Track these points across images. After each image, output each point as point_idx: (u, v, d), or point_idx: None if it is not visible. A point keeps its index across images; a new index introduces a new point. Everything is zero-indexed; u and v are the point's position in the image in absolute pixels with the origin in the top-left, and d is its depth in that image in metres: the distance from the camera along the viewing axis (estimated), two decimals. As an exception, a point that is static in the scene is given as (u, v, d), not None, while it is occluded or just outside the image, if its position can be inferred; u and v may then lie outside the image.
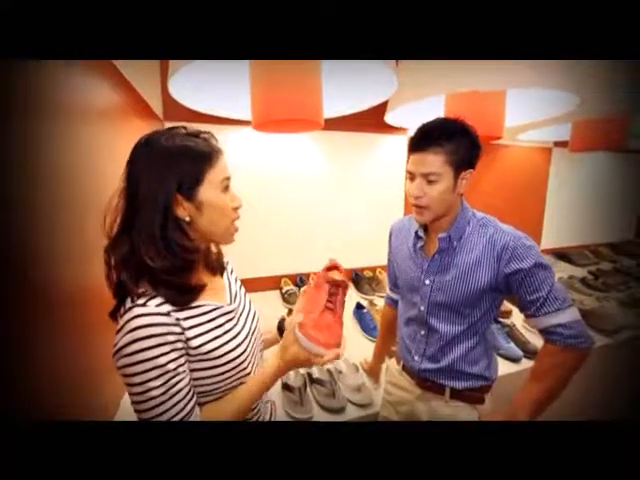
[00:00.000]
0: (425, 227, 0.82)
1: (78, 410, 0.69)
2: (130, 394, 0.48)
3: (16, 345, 0.50)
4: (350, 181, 1.95)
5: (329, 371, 1.13)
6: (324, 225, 1.94)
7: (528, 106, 1.56)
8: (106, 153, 0.89)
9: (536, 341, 1.38)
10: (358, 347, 1.32)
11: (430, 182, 0.71)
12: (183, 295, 0.53)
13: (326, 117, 1.31)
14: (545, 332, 0.71)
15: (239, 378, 0.58)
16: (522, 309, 0.74)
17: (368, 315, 1.51)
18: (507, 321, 1.49)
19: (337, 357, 0.57)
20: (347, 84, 1.32)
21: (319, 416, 0.96)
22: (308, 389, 1.05)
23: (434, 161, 0.69)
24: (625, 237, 3.07)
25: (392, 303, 1.03)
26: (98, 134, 0.85)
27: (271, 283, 1.83)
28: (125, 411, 0.89)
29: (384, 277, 1.94)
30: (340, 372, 1.12)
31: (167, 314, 0.49)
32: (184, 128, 0.55)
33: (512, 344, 1.33)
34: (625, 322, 1.54)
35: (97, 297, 0.77)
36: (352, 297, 1.79)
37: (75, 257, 0.70)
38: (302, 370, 1.14)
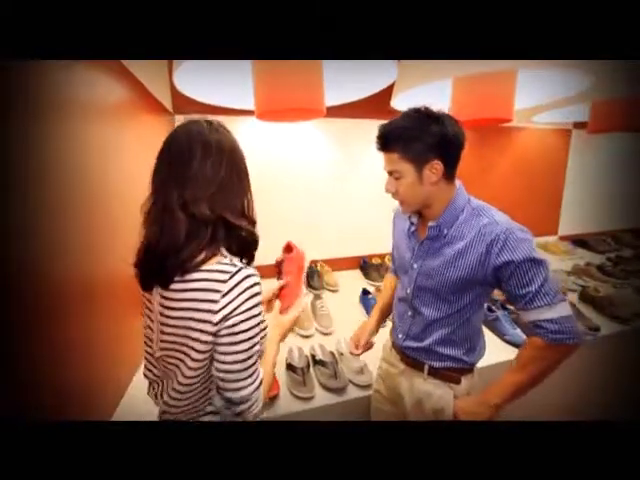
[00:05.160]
0: (419, 214, 0.83)
1: (78, 410, 0.70)
2: (232, 362, 0.54)
3: (16, 345, 0.51)
4: (357, 168, 1.95)
5: (332, 353, 1.17)
6: (331, 213, 1.96)
7: (540, 86, 1.50)
8: (115, 149, 0.93)
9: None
10: (362, 332, 1.35)
11: (396, 178, 0.75)
12: (253, 244, 0.62)
13: (331, 104, 1.32)
14: (532, 325, 0.71)
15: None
16: (511, 302, 0.73)
17: (373, 301, 1.53)
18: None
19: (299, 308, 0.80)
20: (349, 70, 1.31)
21: (321, 396, 1.01)
22: (311, 370, 1.10)
23: (392, 159, 0.74)
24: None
25: (395, 275, 1.04)
26: (107, 130, 0.88)
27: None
28: (124, 411, 0.91)
29: (392, 264, 1.95)
30: (342, 354, 1.16)
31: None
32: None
33: (518, 330, 1.32)
34: (642, 309, 1.49)
35: (98, 296, 0.80)
36: (360, 283, 1.82)
37: (78, 256, 0.71)
38: (306, 352, 1.19)
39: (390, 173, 0.76)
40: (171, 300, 0.55)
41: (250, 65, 1.16)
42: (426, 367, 0.82)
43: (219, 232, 0.56)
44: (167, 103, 1.48)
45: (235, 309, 0.52)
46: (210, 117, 0.62)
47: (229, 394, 0.56)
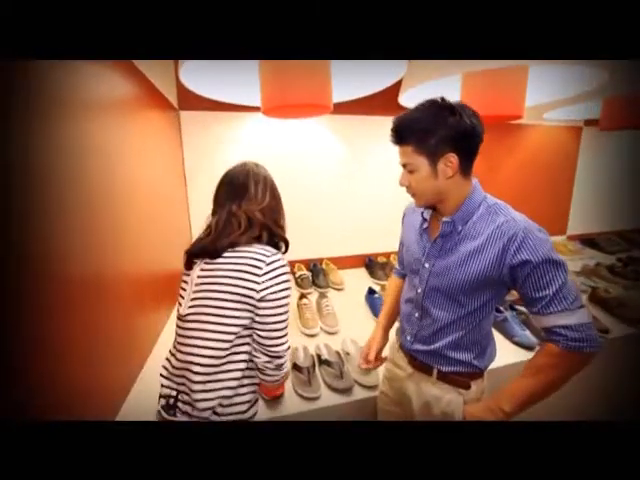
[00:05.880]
0: (433, 209, 0.79)
1: (83, 409, 0.70)
2: (274, 323, 0.72)
3: (20, 344, 0.51)
4: (363, 165, 1.93)
5: (337, 353, 1.16)
6: (337, 211, 1.95)
7: (553, 83, 1.46)
8: (120, 145, 0.92)
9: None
10: (368, 331, 1.33)
11: (410, 172, 0.73)
12: (284, 247, 0.85)
13: (337, 101, 1.30)
14: (548, 331, 0.67)
15: None
16: (526, 305, 0.70)
17: (379, 300, 1.52)
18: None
19: None
20: (356, 66, 1.29)
21: (327, 396, 1.00)
22: (317, 370, 1.09)
23: (405, 152, 0.72)
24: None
25: (400, 276, 1.02)
26: (111, 127, 0.87)
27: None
28: (128, 411, 0.90)
29: (398, 263, 1.93)
30: (348, 354, 1.15)
31: None
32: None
33: (527, 332, 1.30)
34: (654, 311, 1.46)
35: (98, 295, 0.78)
36: (365, 282, 1.81)
37: (83, 254, 0.71)
38: (311, 351, 1.18)
39: (404, 166, 0.74)
40: (218, 264, 0.74)
41: (256, 61, 1.14)
42: (435, 371, 0.80)
43: (263, 233, 0.78)
44: (172, 99, 1.47)
45: (274, 277, 0.71)
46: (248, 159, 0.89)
47: (272, 348, 0.73)
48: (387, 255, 2.02)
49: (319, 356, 1.13)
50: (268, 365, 0.74)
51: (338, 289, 1.76)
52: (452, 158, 0.68)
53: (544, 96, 1.53)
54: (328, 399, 0.98)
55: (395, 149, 0.75)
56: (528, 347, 1.25)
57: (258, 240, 0.76)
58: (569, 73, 1.34)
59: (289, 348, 0.77)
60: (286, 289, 0.73)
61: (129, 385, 0.98)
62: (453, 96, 1.38)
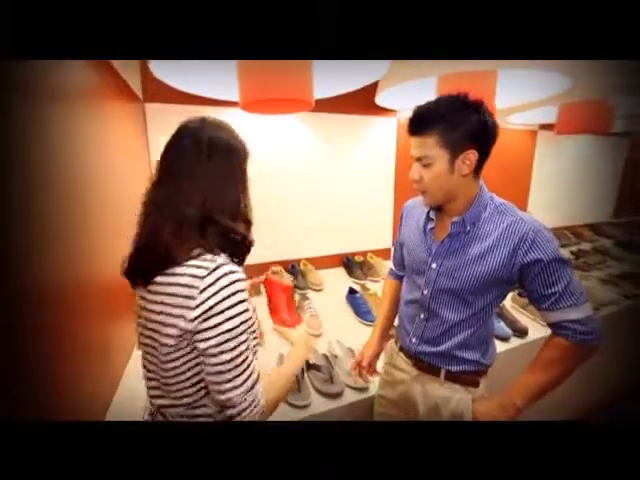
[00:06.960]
0: (438, 208, 0.78)
1: (71, 409, 0.66)
2: (218, 355, 0.50)
3: (14, 344, 0.48)
4: (340, 165, 1.92)
5: (325, 356, 1.13)
6: (313, 210, 1.91)
7: (519, 88, 1.55)
8: (83, 138, 0.82)
9: (525, 320, 1.43)
10: (352, 331, 1.33)
11: (425, 166, 0.70)
12: (246, 246, 0.60)
13: (315, 98, 1.27)
14: (557, 326, 0.70)
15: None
16: (534, 302, 0.72)
17: (361, 299, 1.51)
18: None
19: None
20: (338, 63, 1.27)
21: (317, 402, 0.96)
22: (305, 375, 1.05)
23: (425, 144, 0.68)
24: (604, 218, 3.18)
25: (396, 278, 1.00)
26: (73, 118, 0.77)
27: (262, 270, 1.80)
28: (116, 410, 0.87)
29: (375, 261, 1.94)
30: (336, 357, 1.12)
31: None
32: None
33: (502, 323, 1.36)
34: (605, 299, 1.61)
35: (92, 295, 0.76)
36: (343, 281, 1.80)
37: (67, 254, 0.66)
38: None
39: (419, 159, 0.71)
40: (152, 293, 0.54)
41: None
42: (443, 372, 0.80)
43: (208, 232, 0.54)
44: (137, 89, 1.34)
45: (214, 306, 0.49)
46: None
47: (217, 396, 0.53)
48: (364, 254, 2.03)
49: (307, 361, 1.10)
50: (217, 416, 0.57)
51: (317, 290, 1.74)
52: (472, 155, 0.68)
53: (509, 100, 1.61)
54: (319, 405, 0.95)
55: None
56: (503, 338, 1.31)
57: (198, 244, 0.53)
58: (536, 78, 1.43)
59: (250, 392, 0.53)
60: (232, 317, 0.50)
61: (115, 385, 0.93)
62: (429, 97, 1.41)
